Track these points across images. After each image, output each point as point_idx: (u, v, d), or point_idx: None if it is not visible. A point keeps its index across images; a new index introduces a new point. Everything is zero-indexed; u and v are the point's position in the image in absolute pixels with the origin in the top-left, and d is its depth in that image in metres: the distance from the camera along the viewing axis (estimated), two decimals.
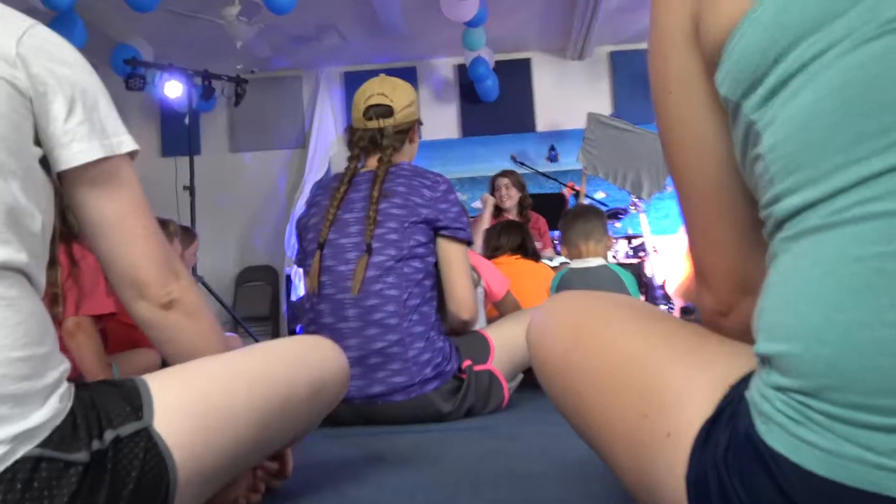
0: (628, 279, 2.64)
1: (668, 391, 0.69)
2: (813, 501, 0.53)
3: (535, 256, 3.28)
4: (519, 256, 3.21)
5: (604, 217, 2.86)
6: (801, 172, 0.59)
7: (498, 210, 4.52)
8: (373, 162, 2.11)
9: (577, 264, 2.75)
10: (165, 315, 0.98)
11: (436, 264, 2.05)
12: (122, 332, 2.52)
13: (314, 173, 6.31)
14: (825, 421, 0.54)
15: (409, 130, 2.16)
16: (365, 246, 1.97)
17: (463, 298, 2.06)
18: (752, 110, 0.64)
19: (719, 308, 0.78)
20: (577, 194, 5.09)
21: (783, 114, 0.61)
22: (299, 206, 6.15)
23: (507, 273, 2.70)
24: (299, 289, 5.85)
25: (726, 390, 0.65)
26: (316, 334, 1.93)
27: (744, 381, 0.64)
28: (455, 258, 2.04)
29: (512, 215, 4.49)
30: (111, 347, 2.47)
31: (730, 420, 0.61)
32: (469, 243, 2.06)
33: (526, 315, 2.19)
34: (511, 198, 4.49)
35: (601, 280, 2.66)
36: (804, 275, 0.57)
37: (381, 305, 1.93)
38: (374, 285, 1.94)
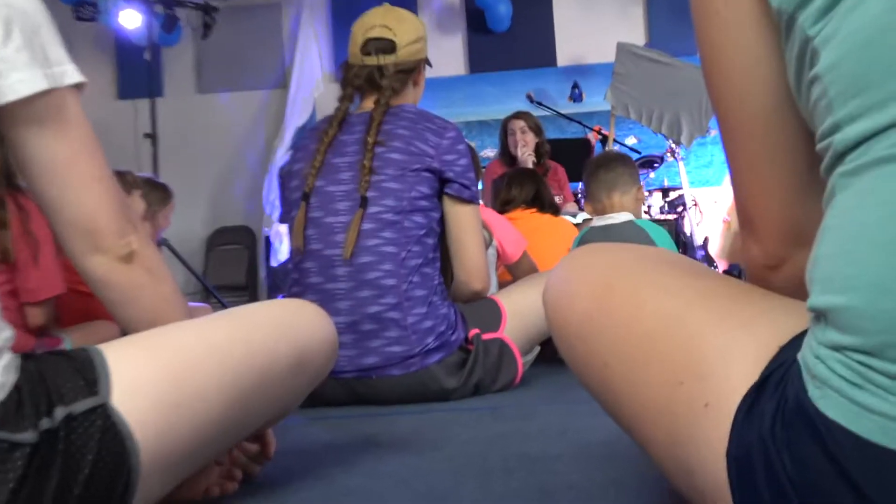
0: (660, 236, 2.64)
1: (707, 356, 0.69)
2: (872, 476, 0.53)
3: (554, 209, 3.28)
4: (535, 210, 3.21)
5: (631, 165, 2.85)
6: (866, 95, 0.58)
7: (511, 159, 4.52)
8: (368, 104, 2.12)
9: (598, 221, 2.75)
10: (125, 270, 0.98)
11: (440, 220, 2.06)
12: (76, 302, 2.51)
13: (296, 117, 6.30)
14: (888, 383, 0.54)
15: (413, 71, 2.16)
16: (359, 197, 1.97)
17: (475, 265, 2.07)
18: (809, 24, 0.63)
19: (768, 261, 0.78)
20: (604, 140, 5.06)
21: (845, 27, 0.60)
22: (279, 157, 6.14)
23: (522, 231, 2.71)
24: (281, 252, 5.88)
25: (774, 353, 0.65)
26: (300, 297, 1.95)
27: (795, 342, 0.64)
28: (465, 219, 2.06)
29: (527, 164, 4.48)
30: (64, 320, 2.47)
31: (778, 386, 0.62)
32: (476, 202, 2.07)
33: (543, 277, 2.20)
34: (527, 144, 4.47)
35: (627, 239, 2.66)
36: (867, 215, 0.57)
37: (377, 264, 1.94)
38: (370, 240, 1.95)
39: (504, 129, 4.57)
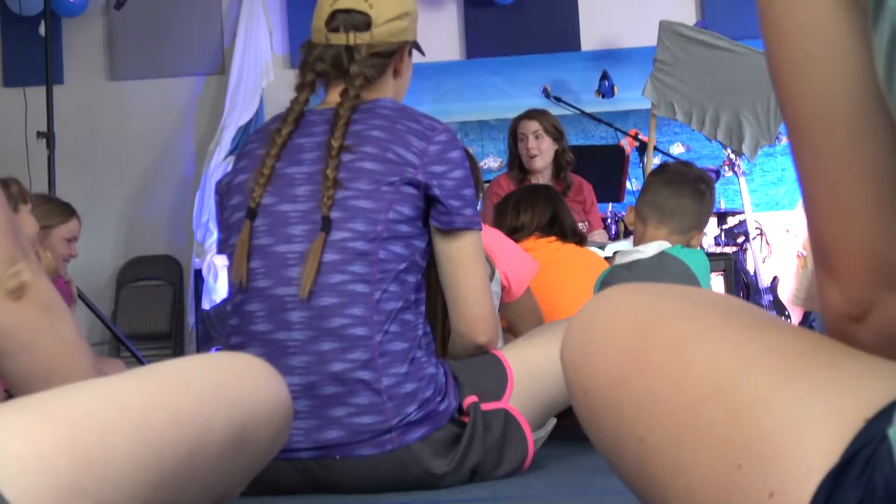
0: (700, 266, 2.68)
1: (772, 431, 0.71)
2: None
3: (578, 238, 3.31)
4: (554, 239, 3.24)
5: (708, 202, 2.89)
6: None
7: (521, 171, 4.56)
8: (334, 97, 2.13)
9: (623, 257, 2.79)
10: (14, 308, 0.99)
11: (426, 251, 2.08)
12: None
13: (238, 112, 6.33)
14: None
15: (393, 55, 2.18)
16: (319, 219, 1.99)
17: (478, 313, 2.10)
18: None
19: (851, 309, 0.79)
20: (642, 148, 5.11)
21: None
22: (216, 166, 6.16)
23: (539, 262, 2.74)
24: (217, 291, 5.87)
25: (859, 428, 0.66)
26: (241, 349, 1.96)
27: (885, 414, 0.65)
28: (462, 252, 2.08)
29: (544, 178, 4.53)
30: None
31: (864, 471, 0.63)
32: (477, 228, 2.09)
33: (560, 327, 2.20)
34: (542, 152, 4.53)
35: (658, 278, 2.68)
36: None
37: (343, 307, 1.95)
38: (334, 276, 1.96)
39: (513, 132, 4.63)
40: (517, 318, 2.64)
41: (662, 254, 2.73)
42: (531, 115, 4.61)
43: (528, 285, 2.62)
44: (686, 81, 4.82)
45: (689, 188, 2.83)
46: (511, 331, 2.75)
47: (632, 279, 2.70)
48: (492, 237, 2.64)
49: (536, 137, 4.53)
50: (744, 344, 0.79)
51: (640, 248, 2.76)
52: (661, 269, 2.69)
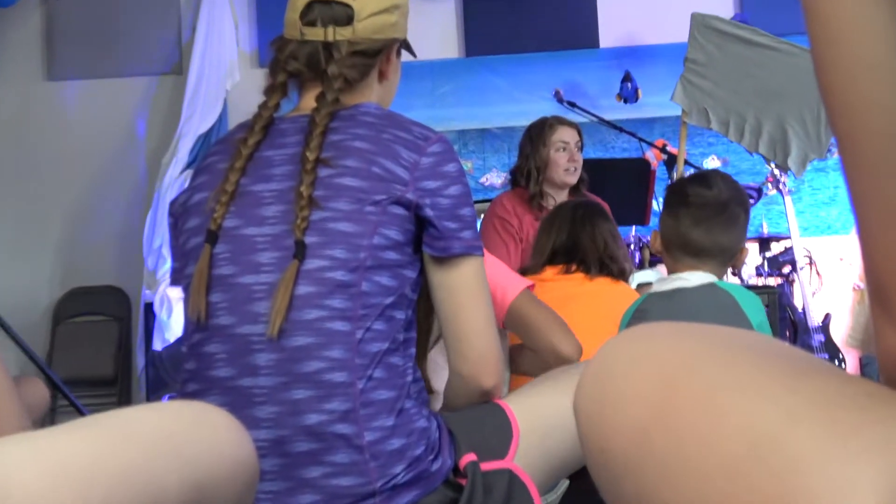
0: (754, 308, 2.68)
1: (818, 495, 0.71)
2: None
3: (612, 269, 3.35)
4: (576, 269, 3.28)
5: (747, 206, 2.90)
6: None
7: (538, 191, 4.63)
8: (309, 101, 2.14)
9: (662, 284, 2.80)
10: None
11: (417, 282, 2.08)
12: None
13: (197, 119, 6.34)
14: None
15: (378, 55, 2.20)
16: (292, 244, 1.99)
17: (484, 351, 2.09)
18: None
19: None
20: (670, 161, 5.14)
21: None
22: (170, 181, 6.16)
23: (552, 301, 2.76)
24: (171, 329, 5.86)
25: None
26: (199, 398, 1.96)
27: None
28: (463, 282, 2.08)
29: (562, 196, 4.64)
30: None
31: None
32: (479, 253, 2.10)
33: (574, 373, 2.21)
34: (578, 169, 4.70)
35: (704, 311, 2.69)
36: None
37: (320, 348, 1.95)
38: (308, 312, 1.96)
39: (543, 139, 4.68)
40: (520, 330, 2.66)
41: (712, 286, 2.73)
42: (571, 123, 4.76)
43: (518, 292, 2.62)
44: (722, 84, 4.84)
45: (721, 221, 2.83)
46: (511, 358, 2.78)
47: (672, 311, 2.71)
48: (491, 263, 2.65)
49: (577, 149, 4.69)
50: (786, 394, 0.79)
51: (683, 275, 2.77)
52: (707, 302, 2.70)
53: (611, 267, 3.38)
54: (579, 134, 4.69)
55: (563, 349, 2.59)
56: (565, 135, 4.67)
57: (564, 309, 2.94)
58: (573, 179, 4.66)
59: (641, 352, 0.94)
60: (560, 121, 4.73)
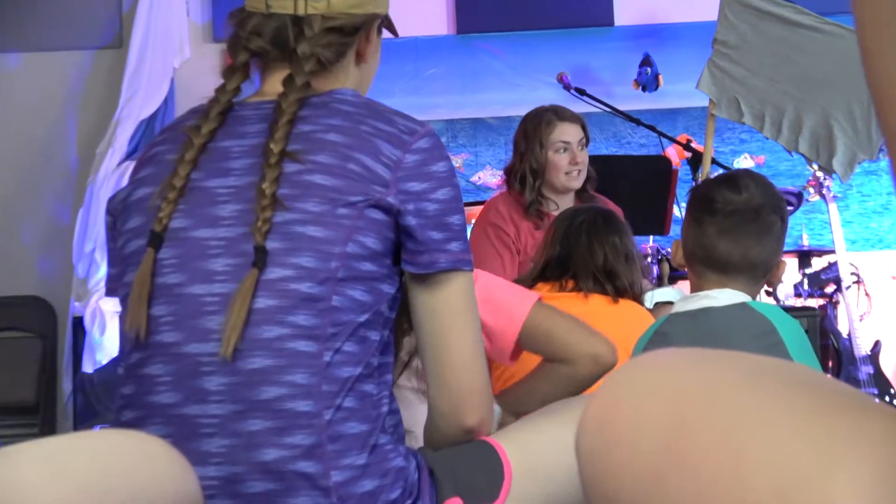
0: (794, 333, 2.68)
1: None
2: None
3: (613, 287, 3.35)
4: (572, 286, 3.29)
5: (785, 214, 2.89)
6: None
7: (537, 196, 4.61)
8: (275, 85, 2.14)
9: (686, 303, 2.80)
10: None
11: (395, 298, 2.09)
12: None
13: (139, 100, 6.32)
14: None
15: (356, 32, 2.20)
16: (251, 249, 2.00)
17: (467, 384, 2.10)
18: None
19: None
20: (695, 159, 5.13)
21: None
22: (107, 174, 6.14)
23: None
24: (104, 346, 5.84)
25: None
26: (138, 427, 1.95)
27: None
28: (447, 303, 2.09)
29: (565, 201, 4.63)
30: None
31: None
32: (469, 269, 2.10)
33: (576, 406, 2.22)
34: (582, 170, 4.67)
35: (734, 335, 2.69)
36: None
37: (280, 372, 1.95)
38: (268, 329, 1.96)
39: (533, 135, 4.68)
40: (541, 347, 2.68)
41: (744, 306, 2.74)
42: (573, 117, 4.71)
43: (528, 310, 2.64)
44: (756, 71, 4.82)
45: (753, 232, 2.80)
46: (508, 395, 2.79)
47: (697, 334, 2.70)
48: (484, 281, 2.67)
49: (580, 148, 4.64)
50: (822, 434, 0.80)
51: (710, 293, 2.77)
52: (739, 325, 2.69)
53: (605, 284, 3.36)
54: (583, 128, 4.65)
55: (602, 352, 2.61)
56: (566, 133, 4.64)
57: None
58: (577, 184, 4.64)
59: (654, 382, 0.94)
60: (559, 115, 4.68)
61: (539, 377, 2.78)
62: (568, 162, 4.61)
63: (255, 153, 2.06)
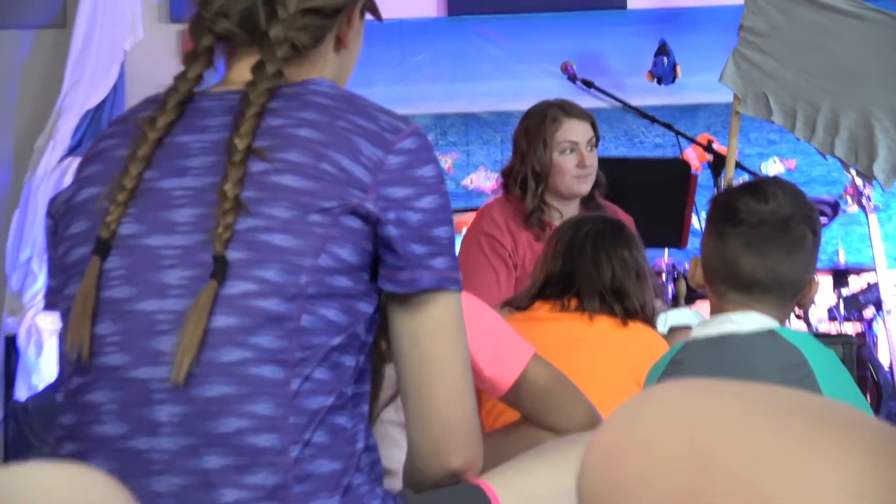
0: (830, 366, 2.69)
1: None
2: None
3: (622, 307, 3.36)
4: (575, 306, 3.30)
5: (819, 235, 2.89)
6: None
7: (539, 204, 4.61)
8: (241, 72, 2.14)
9: (705, 328, 2.80)
10: None
11: (375, 318, 2.09)
12: None
13: (84, 88, 6.31)
14: None
15: (336, 14, 2.20)
16: (209, 260, 1.99)
17: (453, 420, 2.10)
18: None
19: None
20: (717, 162, 5.14)
21: None
22: (46, 171, 6.14)
23: (546, 348, 2.78)
24: (40, 369, 5.83)
25: None
26: (78, 461, 1.93)
27: None
28: (432, 327, 2.08)
29: (570, 209, 4.64)
30: None
31: None
32: (457, 288, 2.10)
33: (577, 446, 2.22)
34: (593, 172, 4.65)
35: (759, 366, 2.70)
36: None
37: (241, 401, 1.95)
38: (227, 351, 1.96)
39: (536, 133, 4.67)
40: (529, 405, 2.67)
41: (771, 333, 2.74)
42: (582, 114, 4.69)
43: (525, 363, 2.64)
44: (788, 62, 4.81)
45: (781, 247, 2.80)
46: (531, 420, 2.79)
47: (717, 363, 2.70)
48: (470, 305, 2.65)
49: (589, 148, 4.63)
50: (855, 476, 0.80)
51: (733, 316, 2.77)
52: (764, 355, 2.69)
53: (613, 305, 3.37)
54: (593, 127, 4.64)
55: (591, 426, 2.60)
56: (574, 132, 4.63)
57: (563, 359, 2.95)
58: (585, 189, 4.62)
59: (666, 417, 0.94)
60: (567, 111, 4.66)
61: (513, 438, 2.79)
62: (576, 164, 4.60)
63: (216, 150, 2.06)
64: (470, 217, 4.82)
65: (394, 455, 2.47)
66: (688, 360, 2.79)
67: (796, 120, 4.80)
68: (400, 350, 2.11)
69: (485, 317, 2.72)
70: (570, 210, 4.60)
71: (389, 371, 2.47)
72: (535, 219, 4.61)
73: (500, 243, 4.58)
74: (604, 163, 4.71)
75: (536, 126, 4.67)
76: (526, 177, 4.64)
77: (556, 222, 4.32)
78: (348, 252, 2.01)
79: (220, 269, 1.97)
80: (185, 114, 2.13)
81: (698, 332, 2.82)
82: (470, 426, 2.13)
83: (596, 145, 4.67)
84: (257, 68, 2.11)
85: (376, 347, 2.22)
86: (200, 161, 2.07)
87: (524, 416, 2.76)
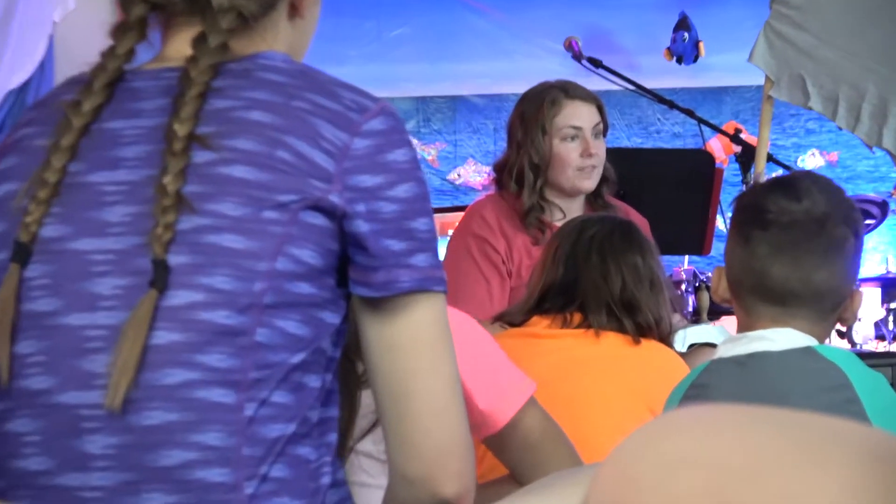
0: (870, 388, 2.69)
1: None
2: None
3: (633, 322, 3.35)
4: (579, 321, 3.30)
5: (861, 239, 2.87)
6: None
7: (539, 202, 4.59)
8: (181, 46, 2.13)
9: (732, 347, 2.80)
10: None
11: (342, 329, 2.08)
12: None
13: (7, 64, 6.32)
14: None
15: None
16: (148, 266, 1.98)
17: (443, 441, 2.09)
18: None
19: None
20: (745, 154, 5.16)
21: None
22: None
23: (546, 369, 2.77)
24: None
25: None
26: None
27: None
28: (412, 336, 2.07)
29: (574, 208, 4.63)
30: None
31: None
32: (441, 290, 2.10)
33: (581, 480, 2.23)
34: (600, 165, 4.63)
35: (795, 389, 2.70)
36: None
37: (187, 430, 1.94)
38: (170, 372, 1.95)
39: (533, 119, 4.66)
40: (517, 455, 2.67)
41: (808, 351, 2.73)
42: (587, 95, 4.68)
43: (524, 402, 2.64)
44: (827, 39, 4.82)
45: (817, 251, 2.79)
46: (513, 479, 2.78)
47: (747, 387, 2.71)
48: (459, 323, 2.64)
49: (596, 136, 4.62)
50: None
51: (765, 333, 2.77)
52: (801, 377, 2.70)
53: (622, 320, 3.36)
54: (601, 112, 4.63)
55: None
56: (577, 116, 4.60)
57: (565, 383, 2.95)
58: (590, 184, 4.59)
59: (684, 450, 0.94)
60: (569, 93, 4.63)
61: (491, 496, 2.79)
62: (579, 154, 4.57)
63: (154, 138, 2.05)
64: (457, 218, 4.81)
65: (371, 498, 2.46)
66: (713, 382, 2.78)
67: (838, 106, 4.80)
68: (376, 364, 2.09)
69: (480, 341, 2.72)
70: (574, 209, 4.57)
71: (367, 398, 2.45)
72: (533, 218, 4.57)
73: (492, 247, 4.55)
74: (613, 154, 4.69)
75: (534, 111, 4.65)
76: (522, 169, 4.61)
77: (558, 223, 4.31)
78: (310, 253, 2.00)
79: (161, 277, 1.96)
80: (116, 96, 2.11)
81: (725, 351, 2.81)
82: (463, 447, 2.11)
83: (604, 134, 4.65)
84: (199, 41, 2.08)
85: (351, 369, 2.21)
86: (135, 151, 2.05)
87: (506, 467, 2.76)
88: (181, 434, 1.94)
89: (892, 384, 4.32)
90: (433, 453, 2.09)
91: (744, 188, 5.07)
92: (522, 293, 3.89)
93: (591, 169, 4.59)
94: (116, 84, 2.12)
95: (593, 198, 4.63)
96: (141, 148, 2.05)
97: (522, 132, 4.62)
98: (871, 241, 5.44)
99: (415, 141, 6.45)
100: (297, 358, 1.99)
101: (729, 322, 4.82)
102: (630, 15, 6.48)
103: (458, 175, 6.38)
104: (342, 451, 2.23)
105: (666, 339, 3.46)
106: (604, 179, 4.63)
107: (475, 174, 6.36)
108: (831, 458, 0.87)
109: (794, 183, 2.87)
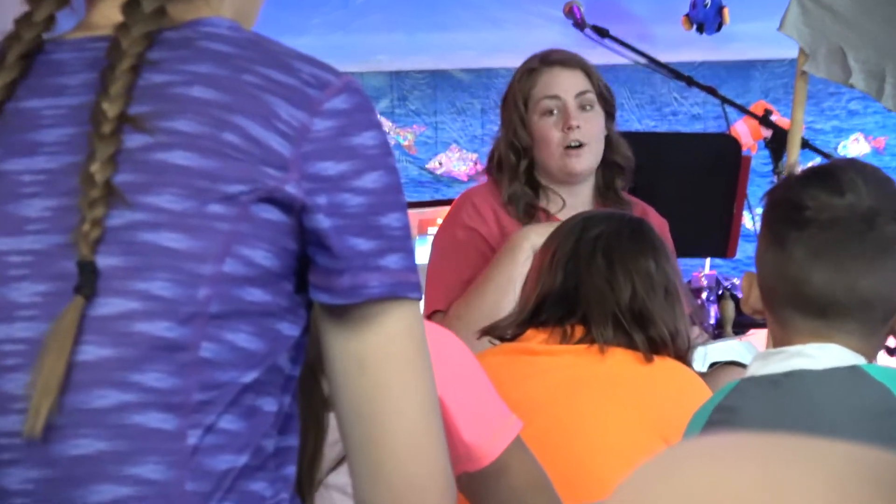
0: None
1: None
2: None
3: (644, 337, 3.35)
4: (581, 335, 3.30)
5: None
6: None
7: (529, 178, 4.56)
8: (109, 11, 2.12)
9: (765, 363, 2.79)
10: None
11: (299, 345, 2.07)
12: None
13: None
14: None
15: None
16: (72, 268, 1.98)
17: (418, 472, 2.09)
18: None
19: None
20: (777, 139, 5.16)
21: None
22: None
23: (542, 391, 2.76)
24: None
25: None
26: None
27: None
28: (383, 350, 2.07)
29: (578, 199, 4.62)
30: None
31: None
32: (417, 296, 2.09)
33: None
34: (592, 139, 4.59)
35: (838, 415, 2.70)
36: None
37: (120, 463, 1.95)
38: (101, 395, 1.95)
39: (514, 93, 4.66)
40: (498, 496, 2.68)
41: (854, 371, 2.73)
42: (568, 59, 4.67)
43: (512, 439, 2.64)
44: (870, 6, 4.85)
45: (863, 254, 2.80)
46: None
47: (781, 411, 2.71)
48: (437, 338, 2.63)
49: (583, 108, 4.59)
50: None
51: (806, 348, 2.75)
52: (845, 399, 2.70)
53: (632, 333, 3.34)
54: (590, 78, 4.60)
55: None
56: (554, 83, 4.58)
57: (565, 407, 2.96)
58: (579, 165, 4.56)
59: (705, 488, 0.94)
60: (549, 60, 4.63)
61: None
62: (562, 127, 4.56)
63: (78, 119, 2.04)
64: (438, 214, 4.81)
65: None
66: (743, 405, 2.77)
67: (884, 84, 4.80)
68: (340, 383, 2.07)
69: (465, 362, 2.72)
70: (580, 200, 4.56)
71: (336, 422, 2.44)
72: (522, 208, 4.56)
73: (483, 239, 4.54)
74: (627, 140, 4.66)
75: (514, 84, 4.66)
76: (504, 152, 4.63)
77: (560, 215, 4.29)
78: (263, 254, 1.99)
79: (88, 281, 1.95)
80: (33, 71, 2.10)
81: (757, 369, 2.79)
82: (443, 481, 2.10)
83: (606, 109, 4.62)
84: (130, 6, 2.07)
85: (316, 389, 2.21)
86: (56, 134, 2.05)
87: None
88: (113, 466, 1.94)
89: None
90: (406, 487, 2.08)
91: (775, 180, 5.05)
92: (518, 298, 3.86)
93: (577, 148, 4.55)
94: (34, 56, 2.11)
95: (605, 191, 4.59)
96: (63, 131, 2.04)
97: (505, 110, 4.64)
98: None
99: (388, 123, 6.49)
100: (248, 377, 1.98)
101: (758, 336, 4.81)
102: None
103: (440, 164, 6.36)
104: (309, 485, 2.22)
105: (683, 357, 3.44)
106: (617, 168, 4.61)
107: (459, 162, 6.34)
108: (871, 501, 0.87)
109: (836, 174, 2.86)
